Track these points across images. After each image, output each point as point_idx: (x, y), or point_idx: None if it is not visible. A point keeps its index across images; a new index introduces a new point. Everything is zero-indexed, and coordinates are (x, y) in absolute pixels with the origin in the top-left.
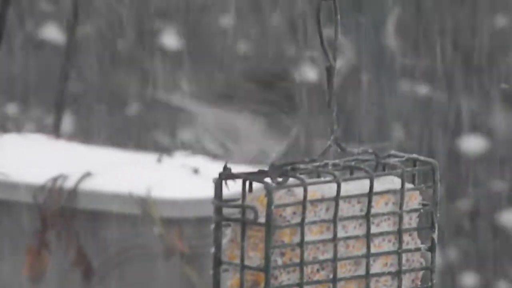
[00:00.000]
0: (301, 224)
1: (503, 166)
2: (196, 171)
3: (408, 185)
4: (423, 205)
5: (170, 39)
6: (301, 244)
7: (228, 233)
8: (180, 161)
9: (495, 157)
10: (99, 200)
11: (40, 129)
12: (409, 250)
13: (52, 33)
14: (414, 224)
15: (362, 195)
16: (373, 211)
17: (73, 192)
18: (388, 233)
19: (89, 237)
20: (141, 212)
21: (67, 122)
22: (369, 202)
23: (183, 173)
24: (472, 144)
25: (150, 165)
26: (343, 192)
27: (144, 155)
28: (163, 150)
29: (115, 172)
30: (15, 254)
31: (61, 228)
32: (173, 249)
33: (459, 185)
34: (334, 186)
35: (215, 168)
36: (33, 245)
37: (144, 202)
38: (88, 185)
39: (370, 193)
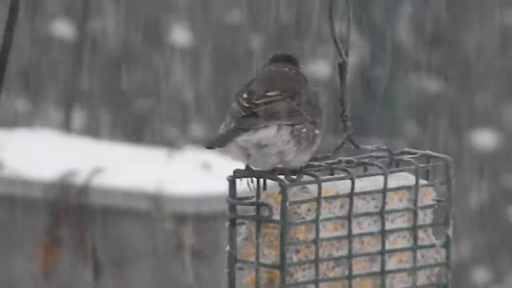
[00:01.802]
0: (316, 221)
1: None
2: (207, 166)
3: (422, 181)
4: (438, 201)
5: (181, 35)
6: (316, 241)
7: (242, 231)
8: (191, 156)
9: (508, 152)
10: (110, 196)
11: (51, 125)
12: (424, 247)
13: (62, 29)
14: (428, 220)
15: (376, 191)
16: (387, 207)
17: (84, 188)
18: (402, 229)
19: (100, 232)
20: (152, 208)
21: (77, 118)
22: (384, 198)
23: (194, 168)
24: (485, 139)
25: (161, 161)
26: (357, 189)
27: (155, 150)
28: (174, 145)
29: (126, 168)
30: (27, 248)
31: (72, 223)
32: (184, 245)
33: (471, 180)
34: (348, 182)
35: (226, 163)
36: (45, 240)
37: (155, 198)
38: (99, 181)
39: (384, 190)
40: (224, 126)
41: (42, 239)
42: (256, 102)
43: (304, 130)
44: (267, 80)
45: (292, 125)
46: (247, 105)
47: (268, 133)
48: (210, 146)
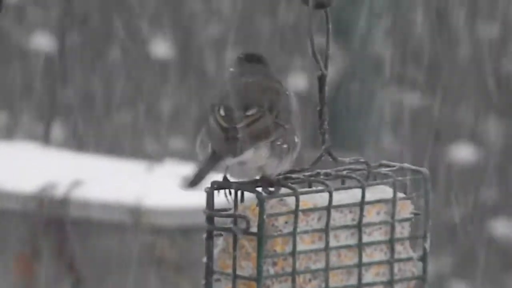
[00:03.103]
0: (293, 234)
1: (494, 175)
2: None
3: (400, 194)
4: (415, 214)
5: (161, 48)
6: (293, 253)
7: (220, 243)
8: (170, 169)
9: (486, 166)
10: (89, 208)
11: (30, 137)
12: (401, 260)
13: (42, 41)
14: (406, 233)
15: (354, 204)
16: (365, 220)
17: (64, 201)
18: (380, 242)
19: (79, 245)
20: (132, 220)
21: (57, 131)
22: (361, 211)
23: (173, 181)
24: (464, 152)
25: (140, 174)
26: (335, 202)
27: (135, 163)
28: (153, 158)
29: (105, 180)
30: (6, 261)
31: (52, 236)
32: (163, 257)
33: (449, 194)
34: (326, 195)
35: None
36: (24, 253)
37: (135, 211)
38: (78, 193)
39: (362, 203)
40: (201, 144)
41: (21, 252)
42: (237, 125)
43: (284, 145)
44: (244, 94)
45: (272, 141)
46: (226, 126)
47: (248, 155)
48: (187, 186)
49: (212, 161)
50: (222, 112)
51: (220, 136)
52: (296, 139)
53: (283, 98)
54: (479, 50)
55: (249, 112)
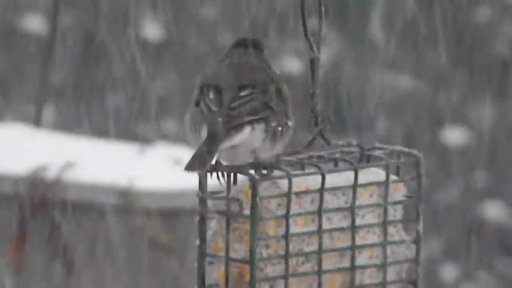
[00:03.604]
0: (286, 216)
1: (486, 158)
2: (178, 161)
3: (393, 177)
4: (408, 197)
5: (152, 30)
6: (286, 236)
7: (212, 225)
8: (162, 151)
9: (478, 149)
10: (81, 191)
11: (22, 119)
12: (394, 242)
13: (33, 23)
14: (399, 216)
15: (347, 187)
16: (357, 203)
17: (55, 183)
18: (373, 225)
19: (71, 227)
20: (123, 203)
21: (49, 113)
22: (354, 194)
23: (165, 163)
24: (455, 135)
25: (132, 156)
26: (328, 184)
27: (126, 145)
28: (145, 140)
29: (97, 163)
30: None
31: (43, 218)
32: (155, 240)
33: (441, 177)
34: (319, 178)
35: None
36: (15, 235)
37: (126, 193)
38: (70, 176)
39: (355, 185)
40: (192, 126)
41: (13, 235)
42: (231, 106)
43: (279, 127)
44: (235, 74)
45: (266, 123)
46: (215, 109)
47: (243, 137)
48: (189, 169)
49: (212, 144)
50: (211, 95)
51: (214, 118)
52: (289, 122)
53: (276, 80)
54: (471, 33)
55: (243, 93)
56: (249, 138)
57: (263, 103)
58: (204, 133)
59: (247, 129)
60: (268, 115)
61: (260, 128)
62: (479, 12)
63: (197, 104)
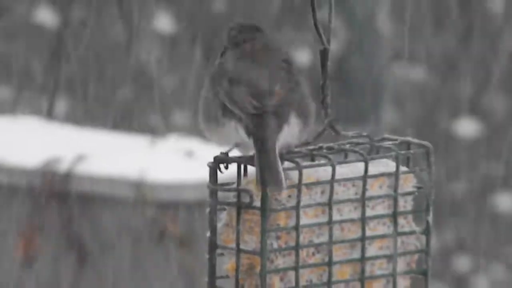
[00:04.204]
0: (297, 208)
1: (498, 149)
2: (189, 154)
3: (403, 168)
4: (418, 188)
5: (163, 22)
6: (297, 227)
7: (223, 217)
8: (174, 144)
9: (491, 140)
10: (92, 183)
11: (34, 112)
12: (404, 233)
13: (45, 16)
14: (409, 207)
15: (357, 178)
16: (368, 194)
17: (67, 176)
18: (383, 216)
19: (82, 220)
20: (135, 195)
21: (61, 105)
22: (364, 185)
23: (177, 156)
24: (468, 126)
25: (144, 148)
26: (338, 175)
27: (138, 138)
28: (157, 133)
29: (109, 155)
30: (9, 237)
31: (55, 211)
32: (166, 232)
33: (454, 168)
34: (329, 169)
35: (209, 150)
36: (27, 228)
37: (138, 186)
38: (81, 168)
39: (365, 176)
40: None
41: (25, 227)
42: (273, 101)
43: (306, 121)
44: (257, 65)
45: (303, 117)
46: (257, 104)
47: (289, 132)
48: (268, 185)
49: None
50: (243, 89)
51: (253, 117)
52: (313, 112)
53: (295, 69)
54: (481, 26)
55: (277, 87)
56: (287, 135)
57: (300, 95)
58: (233, 130)
59: (293, 124)
60: (304, 108)
61: (297, 123)
62: (493, 1)
63: (216, 95)
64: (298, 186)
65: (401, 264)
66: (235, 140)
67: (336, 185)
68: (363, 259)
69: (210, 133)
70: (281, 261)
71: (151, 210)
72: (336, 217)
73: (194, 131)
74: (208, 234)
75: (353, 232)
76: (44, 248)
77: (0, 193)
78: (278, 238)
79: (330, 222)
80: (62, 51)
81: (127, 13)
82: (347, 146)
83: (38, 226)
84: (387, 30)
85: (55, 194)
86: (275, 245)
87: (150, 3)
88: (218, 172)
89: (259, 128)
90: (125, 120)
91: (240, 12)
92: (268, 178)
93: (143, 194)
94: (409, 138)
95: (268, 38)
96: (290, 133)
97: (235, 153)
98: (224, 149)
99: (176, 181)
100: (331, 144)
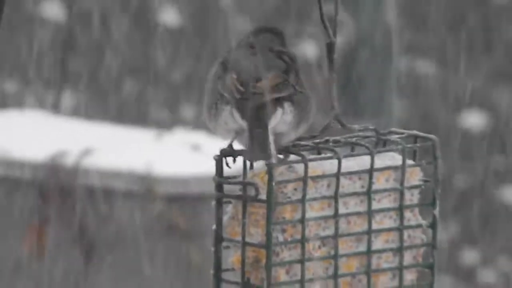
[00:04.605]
0: (302, 201)
1: (504, 142)
2: (196, 147)
3: (409, 161)
4: (424, 181)
5: (169, 16)
6: (302, 220)
7: (229, 210)
8: (180, 137)
9: (497, 133)
10: (99, 177)
11: (41, 105)
12: (411, 227)
13: (52, 10)
14: (415, 200)
15: (363, 171)
16: (374, 187)
17: (74, 169)
18: (389, 209)
19: (90, 214)
20: (142, 189)
21: (67, 99)
22: (370, 178)
23: (183, 149)
24: (474, 120)
25: (150, 142)
26: (344, 169)
27: (144, 131)
28: (163, 126)
29: (115, 149)
30: (16, 230)
31: (62, 205)
32: (173, 225)
33: (460, 161)
34: (335, 162)
35: (215, 144)
36: (34, 222)
37: (145, 179)
38: (88, 162)
39: (371, 170)
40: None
41: (32, 221)
42: (256, 86)
43: (303, 112)
44: (258, 59)
45: (294, 107)
46: (241, 89)
47: (274, 121)
48: (253, 159)
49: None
50: (235, 76)
51: (242, 99)
52: (312, 106)
53: (297, 64)
54: (489, 18)
55: (270, 75)
56: (279, 123)
57: (289, 84)
58: (228, 115)
59: (279, 112)
60: (294, 97)
61: (290, 112)
62: None
63: (216, 84)
64: (304, 179)
65: (407, 258)
66: (232, 125)
67: (342, 178)
68: (369, 252)
69: (210, 121)
70: (286, 254)
71: (158, 203)
72: (342, 210)
73: (200, 124)
74: (214, 227)
75: (359, 225)
76: (51, 242)
77: (7, 186)
78: (283, 231)
79: (336, 216)
80: (69, 45)
81: (132, 5)
82: (354, 139)
83: (45, 220)
84: (395, 22)
85: (62, 188)
86: (281, 238)
87: None
88: (225, 165)
89: (246, 111)
90: (131, 113)
91: (246, 6)
92: (256, 149)
93: (149, 187)
94: (416, 132)
95: (282, 42)
96: (283, 119)
97: (240, 147)
98: (226, 142)
99: (183, 174)
100: (337, 137)
